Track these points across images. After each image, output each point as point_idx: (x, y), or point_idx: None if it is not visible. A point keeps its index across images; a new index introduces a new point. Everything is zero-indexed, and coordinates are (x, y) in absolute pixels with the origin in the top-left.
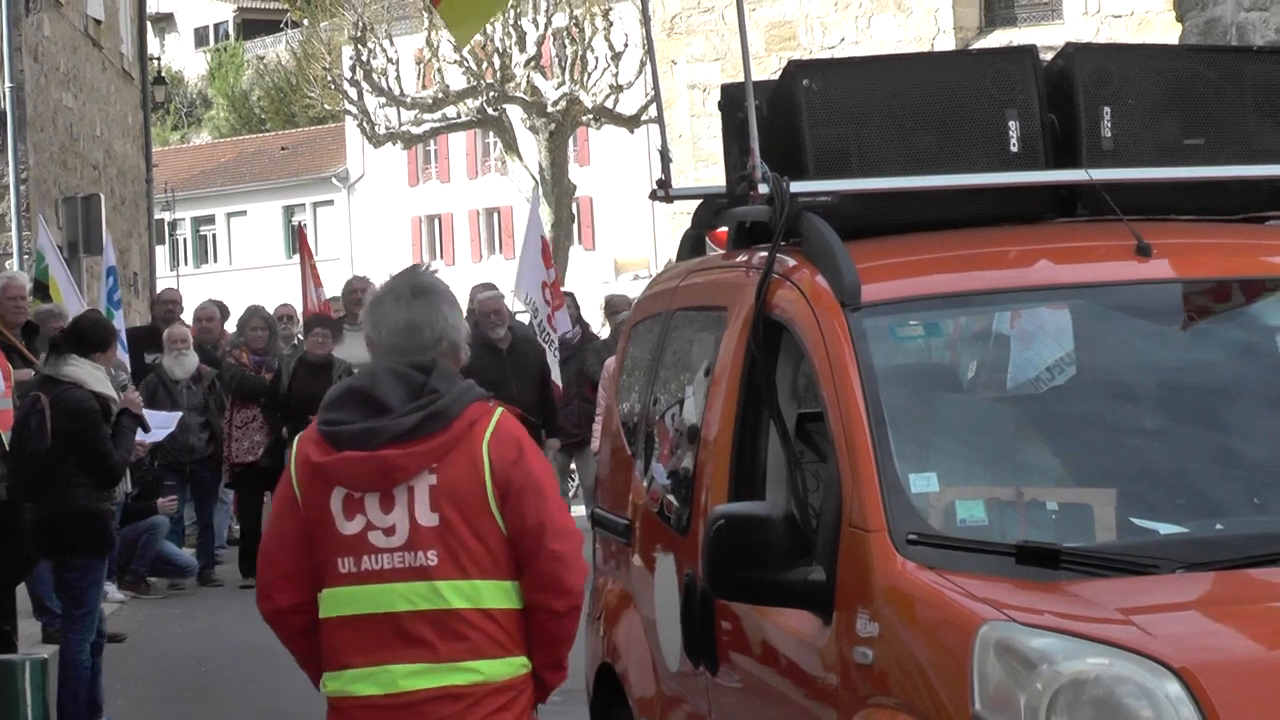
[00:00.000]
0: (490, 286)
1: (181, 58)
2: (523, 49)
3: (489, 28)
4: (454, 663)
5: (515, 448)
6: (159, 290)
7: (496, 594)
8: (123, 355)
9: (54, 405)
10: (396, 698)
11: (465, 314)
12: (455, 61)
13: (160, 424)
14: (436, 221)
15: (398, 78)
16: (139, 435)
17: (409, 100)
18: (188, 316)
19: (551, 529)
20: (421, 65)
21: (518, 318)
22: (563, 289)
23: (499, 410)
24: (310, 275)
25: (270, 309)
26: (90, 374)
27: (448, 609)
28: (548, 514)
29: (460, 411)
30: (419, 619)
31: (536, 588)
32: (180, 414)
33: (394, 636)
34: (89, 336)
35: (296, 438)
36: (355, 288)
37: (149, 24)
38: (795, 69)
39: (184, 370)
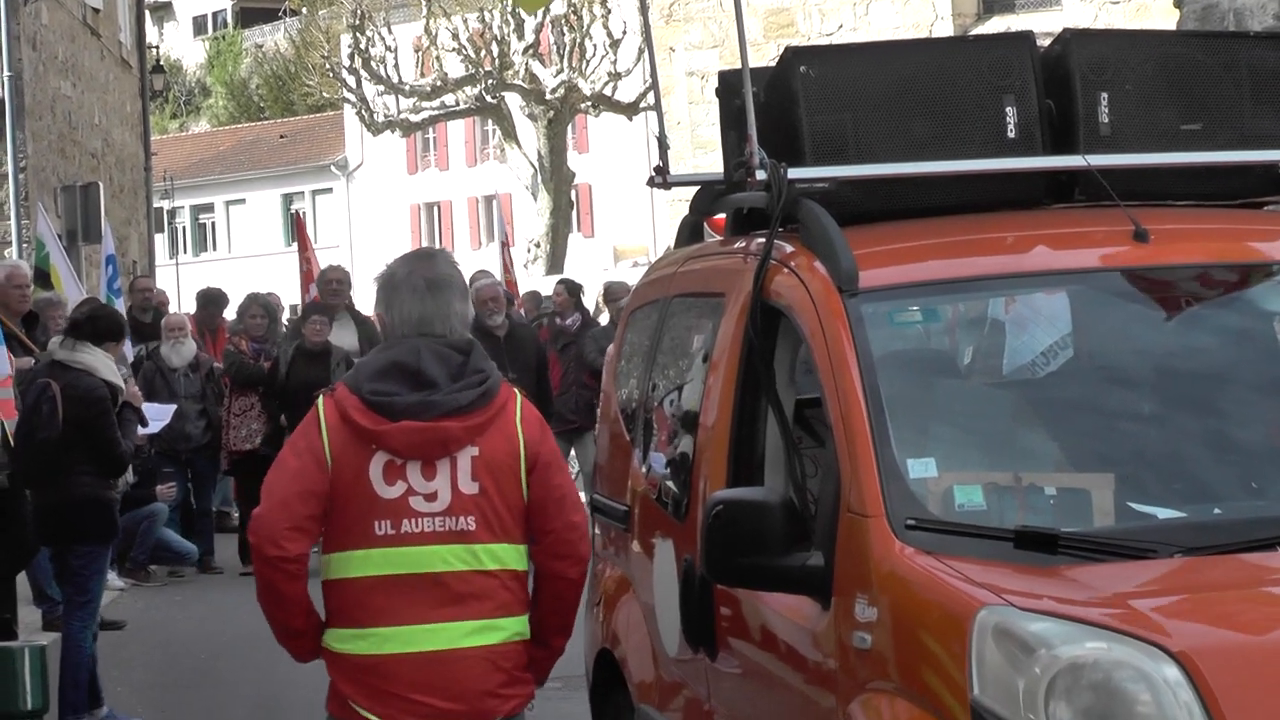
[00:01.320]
0: (488, 274)
1: (180, 46)
2: (521, 36)
3: (486, 14)
4: (486, 620)
5: (540, 426)
6: (135, 279)
7: (515, 555)
8: (126, 347)
9: (66, 392)
10: (431, 654)
11: None
12: (454, 49)
13: (156, 416)
14: (435, 209)
15: (396, 66)
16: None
17: (407, 88)
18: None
19: (571, 501)
20: (420, 53)
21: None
22: (561, 276)
23: (518, 393)
24: (309, 263)
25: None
26: (103, 362)
27: (482, 570)
28: (568, 488)
29: (499, 391)
30: (457, 579)
31: (554, 555)
32: (175, 406)
33: (432, 597)
34: (103, 326)
35: (321, 400)
36: (330, 278)
37: (147, 12)
38: (793, 55)
39: (181, 359)
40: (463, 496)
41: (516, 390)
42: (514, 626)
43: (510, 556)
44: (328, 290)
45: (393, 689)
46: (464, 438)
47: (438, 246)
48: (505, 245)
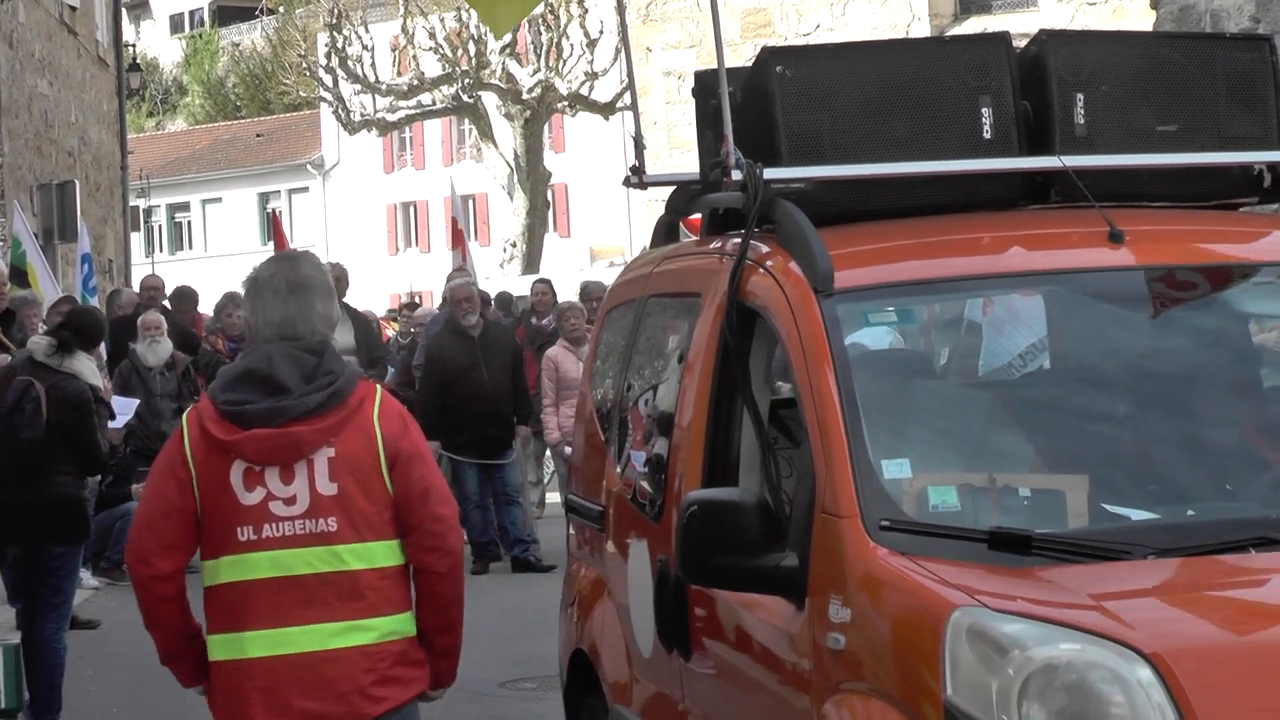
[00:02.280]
0: (464, 273)
1: (157, 44)
2: (498, 36)
3: (463, 14)
4: (353, 621)
5: (401, 420)
6: (145, 277)
7: (386, 552)
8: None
9: (51, 394)
10: (297, 657)
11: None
12: (430, 49)
13: (121, 409)
14: (412, 209)
15: (373, 65)
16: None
17: (384, 87)
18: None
19: (435, 494)
20: (397, 52)
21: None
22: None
23: (379, 388)
24: None
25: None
26: (87, 366)
27: (346, 570)
28: (432, 480)
29: (352, 389)
30: (319, 581)
31: (421, 549)
32: (138, 401)
33: (295, 599)
34: (89, 333)
35: (186, 415)
36: (330, 274)
37: (124, 10)
38: (769, 55)
39: (157, 357)
40: (322, 498)
41: (378, 385)
42: (387, 625)
43: (380, 554)
44: None
45: (260, 692)
46: (316, 440)
47: (413, 246)
48: (457, 236)
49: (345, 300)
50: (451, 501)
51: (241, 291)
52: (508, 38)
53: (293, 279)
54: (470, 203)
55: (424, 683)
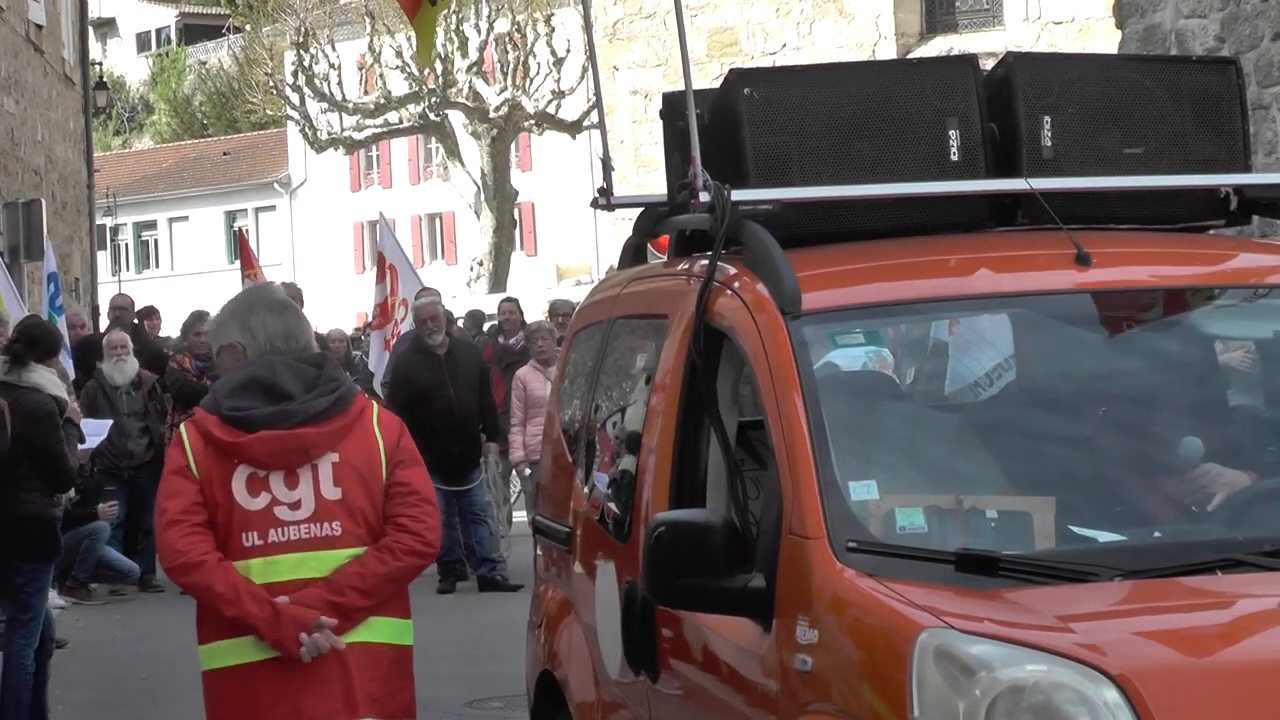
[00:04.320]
0: (431, 292)
1: (123, 63)
2: (465, 54)
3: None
4: (358, 622)
5: (398, 428)
6: (114, 296)
7: None
8: (66, 362)
9: (14, 408)
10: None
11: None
12: (397, 67)
13: (93, 432)
14: (379, 215)
15: (340, 83)
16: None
17: (351, 106)
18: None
19: (427, 495)
20: (363, 71)
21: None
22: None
23: (375, 402)
24: (251, 281)
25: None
26: (47, 378)
27: None
28: (425, 485)
29: (354, 398)
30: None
31: (397, 529)
32: (111, 422)
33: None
34: (43, 344)
35: (184, 425)
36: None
37: (90, 29)
38: (737, 77)
39: (124, 376)
40: (327, 503)
41: (374, 401)
42: (388, 627)
43: None
44: None
45: (273, 692)
46: (323, 443)
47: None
48: (380, 264)
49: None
50: (438, 513)
51: (227, 316)
52: (474, 55)
53: (281, 299)
54: (437, 221)
55: (408, 713)
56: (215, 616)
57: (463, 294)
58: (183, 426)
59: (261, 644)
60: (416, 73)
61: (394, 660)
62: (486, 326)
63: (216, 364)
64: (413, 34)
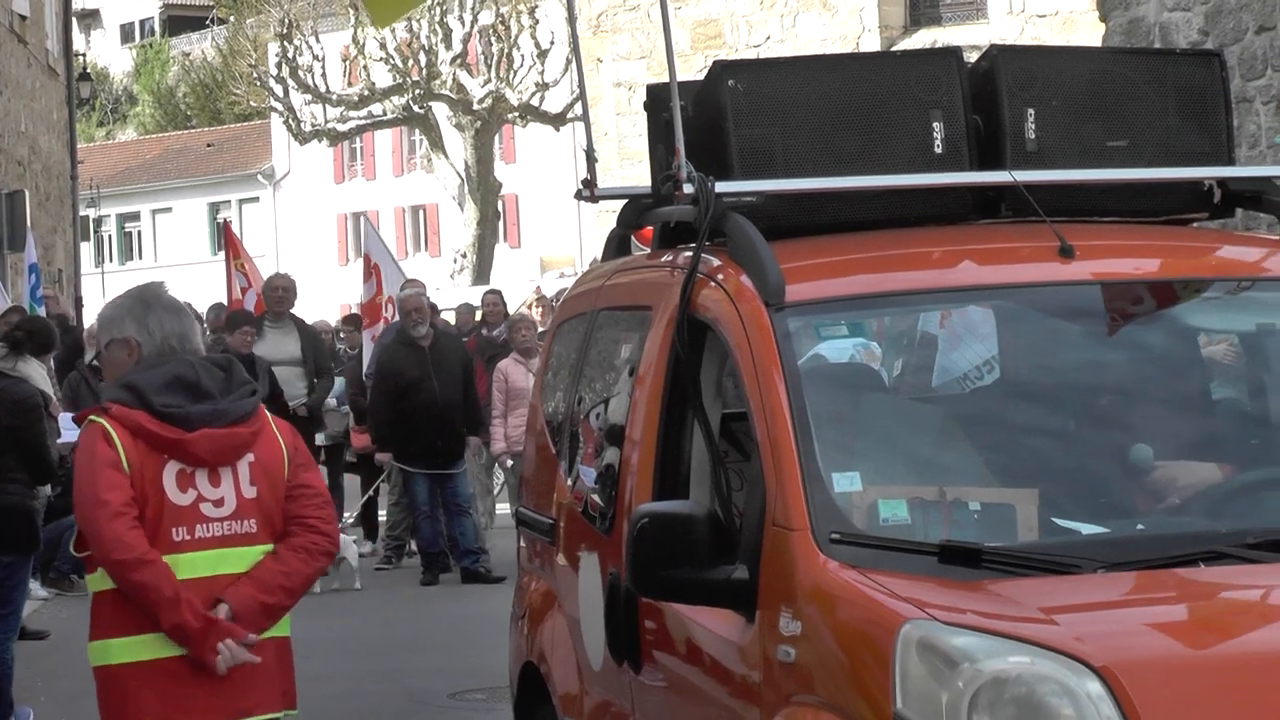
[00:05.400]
0: (415, 284)
1: (107, 54)
2: (449, 46)
3: (414, 24)
4: (278, 620)
5: (291, 430)
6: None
7: None
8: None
9: (2, 396)
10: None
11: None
12: (381, 59)
13: (70, 426)
14: (362, 218)
15: (324, 75)
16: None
17: (335, 97)
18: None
19: (326, 498)
20: (347, 62)
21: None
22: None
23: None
24: (237, 271)
25: (197, 306)
26: (37, 371)
27: None
28: (320, 481)
29: (259, 402)
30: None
31: (309, 530)
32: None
33: (229, 589)
34: (41, 338)
35: (103, 419)
36: (277, 285)
37: (74, 20)
38: (721, 69)
39: None
40: (245, 501)
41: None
42: (285, 621)
43: None
44: (273, 297)
45: (195, 685)
46: (250, 443)
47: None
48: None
49: (293, 312)
50: (331, 505)
51: (121, 314)
52: (458, 47)
53: (171, 300)
54: (420, 213)
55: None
56: (127, 612)
57: (446, 286)
58: (103, 420)
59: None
60: (400, 64)
61: (289, 651)
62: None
63: (103, 357)
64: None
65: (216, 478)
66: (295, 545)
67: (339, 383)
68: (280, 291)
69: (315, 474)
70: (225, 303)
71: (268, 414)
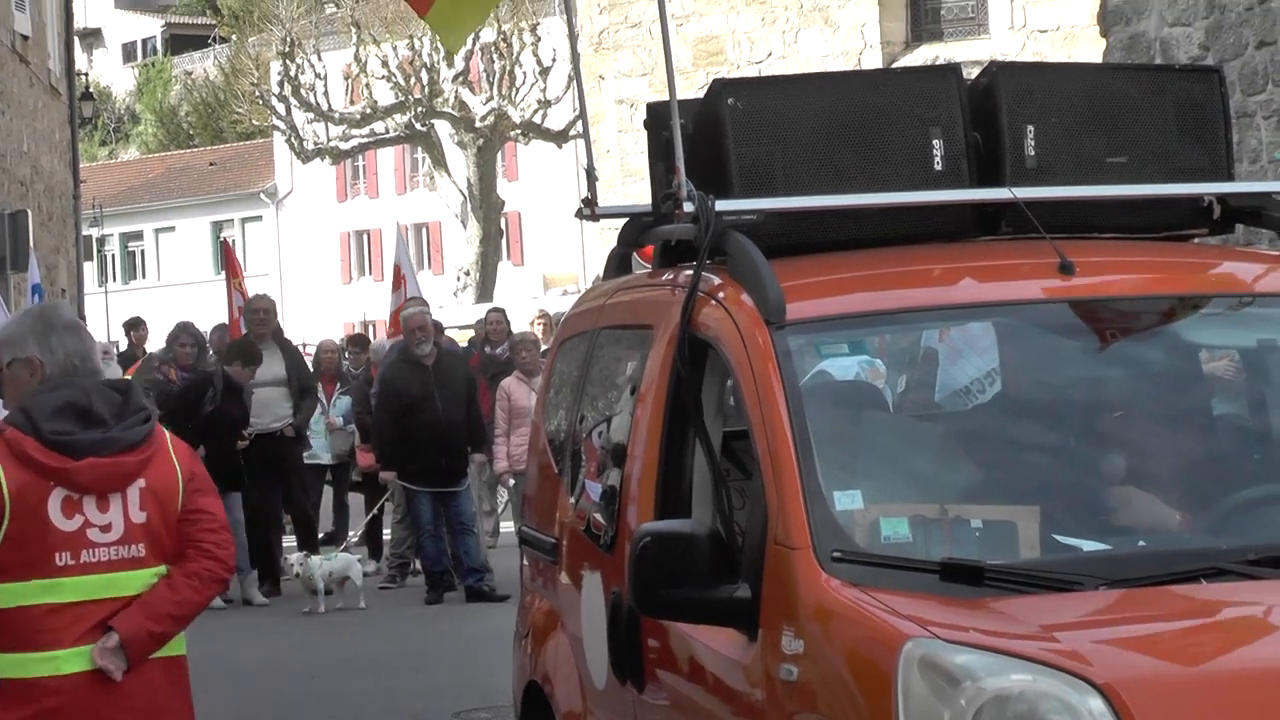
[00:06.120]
0: (419, 302)
1: (109, 73)
2: (451, 64)
3: (416, 41)
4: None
5: (190, 454)
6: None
7: None
8: None
9: None
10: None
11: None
12: (383, 77)
13: None
14: (365, 237)
15: (326, 93)
16: None
17: (337, 116)
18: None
19: (222, 522)
20: (349, 81)
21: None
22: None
23: (164, 428)
24: (236, 291)
25: (200, 325)
26: None
27: None
28: (222, 509)
29: (156, 426)
30: (129, 603)
31: (204, 555)
32: None
33: (109, 619)
34: None
35: None
36: (257, 307)
37: (76, 39)
38: (720, 87)
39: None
40: (133, 525)
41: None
42: (180, 642)
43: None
44: (254, 320)
45: (74, 705)
46: (138, 471)
47: (367, 274)
48: (396, 273)
49: (275, 332)
50: (232, 539)
51: (13, 327)
52: (460, 64)
53: (74, 318)
54: (423, 231)
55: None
56: (23, 629)
57: (449, 304)
58: None
59: (65, 659)
60: (402, 82)
61: (179, 672)
62: (468, 339)
63: (5, 376)
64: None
65: (105, 504)
66: (189, 571)
67: (345, 401)
68: (261, 314)
69: (212, 499)
70: (226, 323)
71: (167, 437)
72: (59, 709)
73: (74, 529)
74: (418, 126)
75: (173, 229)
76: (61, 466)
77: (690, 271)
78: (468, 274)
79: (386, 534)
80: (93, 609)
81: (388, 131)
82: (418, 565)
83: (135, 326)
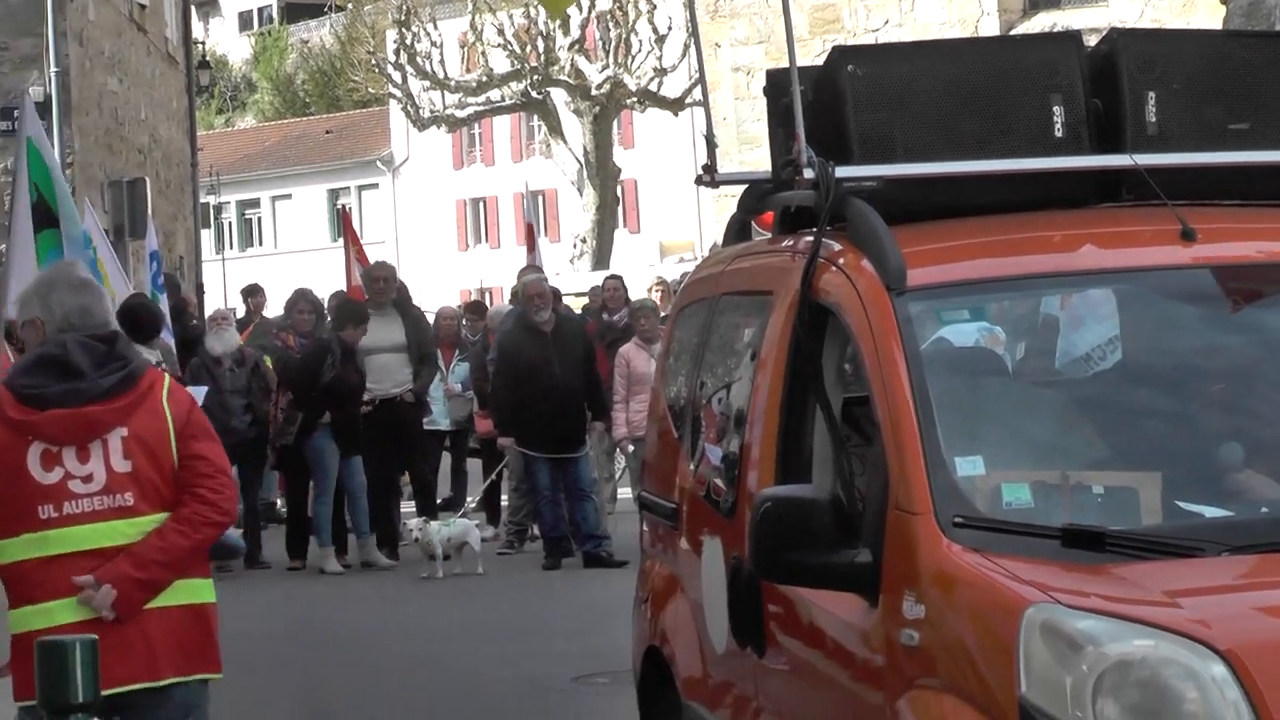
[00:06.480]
0: (536, 269)
1: (226, 41)
2: (566, 32)
3: (532, 10)
4: (161, 590)
5: (188, 401)
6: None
7: None
8: (167, 338)
9: None
10: (106, 621)
11: (511, 296)
12: (499, 45)
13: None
14: (481, 204)
15: (441, 61)
16: None
17: (453, 83)
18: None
19: (219, 466)
20: (465, 48)
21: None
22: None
23: (167, 376)
24: (356, 259)
25: (317, 292)
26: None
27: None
28: (219, 453)
29: (143, 374)
30: (120, 552)
31: (195, 500)
32: (206, 389)
33: (98, 568)
34: (146, 328)
35: None
36: (377, 276)
37: (193, 8)
38: (840, 54)
39: (224, 345)
40: (117, 475)
41: (165, 374)
42: (186, 588)
43: None
44: (374, 288)
45: None
46: (110, 420)
47: (483, 242)
48: (530, 238)
49: (396, 298)
50: (233, 481)
51: (30, 295)
52: (576, 32)
53: (81, 277)
54: (540, 199)
55: (215, 666)
56: (17, 583)
57: (566, 271)
58: None
59: (58, 610)
60: (518, 50)
61: (192, 619)
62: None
63: (20, 339)
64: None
65: (86, 454)
66: (180, 517)
67: (464, 368)
68: (380, 283)
69: (208, 444)
70: (345, 290)
71: (165, 384)
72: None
73: (54, 481)
74: (534, 94)
75: (289, 197)
76: (28, 419)
77: (810, 238)
78: (584, 241)
79: (504, 500)
80: (81, 560)
81: (504, 99)
82: (535, 531)
83: (253, 293)
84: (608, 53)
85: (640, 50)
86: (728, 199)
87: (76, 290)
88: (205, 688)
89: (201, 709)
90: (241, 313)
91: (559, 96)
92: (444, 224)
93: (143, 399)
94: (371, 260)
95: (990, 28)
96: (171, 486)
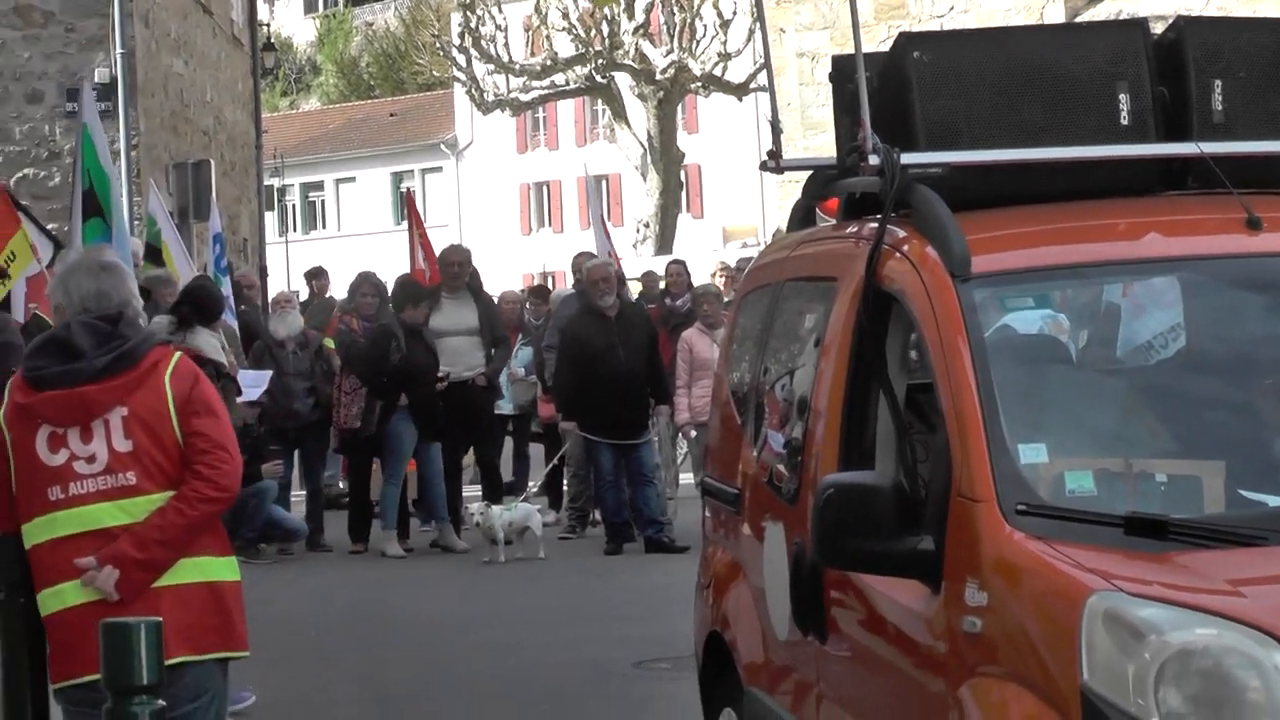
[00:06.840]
0: (597, 255)
1: (290, 24)
2: (631, 16)
3: None
4: (166, 569)
5: (192, 378)
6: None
7: None
8: (230, 320)
9: None
10: (111, 603)
11: (574, 282)
12: (564, 29)
13: (251, 383)
14: (545, 189)
15: (506, 45)
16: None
17: (518, 67)
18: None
19: (220, 439)
20: (530, 32)
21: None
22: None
23: (178, 353)
24: (419, 242)
25: (381, 275)
26: (208, 342)
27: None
28: (220, 428)
29: (145, 353)
30: (125, 531)
31: (193, 476)
32: (270, 373)
33: (105, 548)
34: (208, 310)
35: (8, 386)
36: (451, 260)
37: None
38: (906, 41)
39: (287, 328)
40: (118, 455)
41: (177, 351)
42: (194, 565)
43: None
44: (449, 273)
45: (83, 637)
46: (106, 400)
47: (546, 226)
48: (604, 222)
49: (469, 282)
50: (235, 456)
51: (56, 280)
52: (640, 17)
53: (103, 261)
54: (603, 183)
55: (236, 644)
56: (38, 566)
57: (629, 255)
58: (6, 389)
59: (69, 591)
60: (583, 34)
61: (205, 597)
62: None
63: (56, 322)
64: None
65: (89, 435)
66: (179, 495)
67: (527, 352)
68: (455, 267)
69: (210, 420)
70: (409, 273)
71: (170, 361)
72: (70, 640)
73: (60, 463)
74: (598, 79)
75: (353, 179)
76: (29, 401)
77: (875, 224)
78: (647, 226)
79: (565, 485)
80: (88, 541)
81: (568, 83)
82: (597, 516)
83: (317, 276)
84: (672, 37)
85: (705, 35)
86: (792, 184)
87: (94, 275)
88: (222, 669)
89: (216, 691)
90: (305, 295)
91: (623, 80)
92: (507, 208)
93: (145, 377)
94: (434, 244)
95: (1056, 14)
96: (177, 464)
